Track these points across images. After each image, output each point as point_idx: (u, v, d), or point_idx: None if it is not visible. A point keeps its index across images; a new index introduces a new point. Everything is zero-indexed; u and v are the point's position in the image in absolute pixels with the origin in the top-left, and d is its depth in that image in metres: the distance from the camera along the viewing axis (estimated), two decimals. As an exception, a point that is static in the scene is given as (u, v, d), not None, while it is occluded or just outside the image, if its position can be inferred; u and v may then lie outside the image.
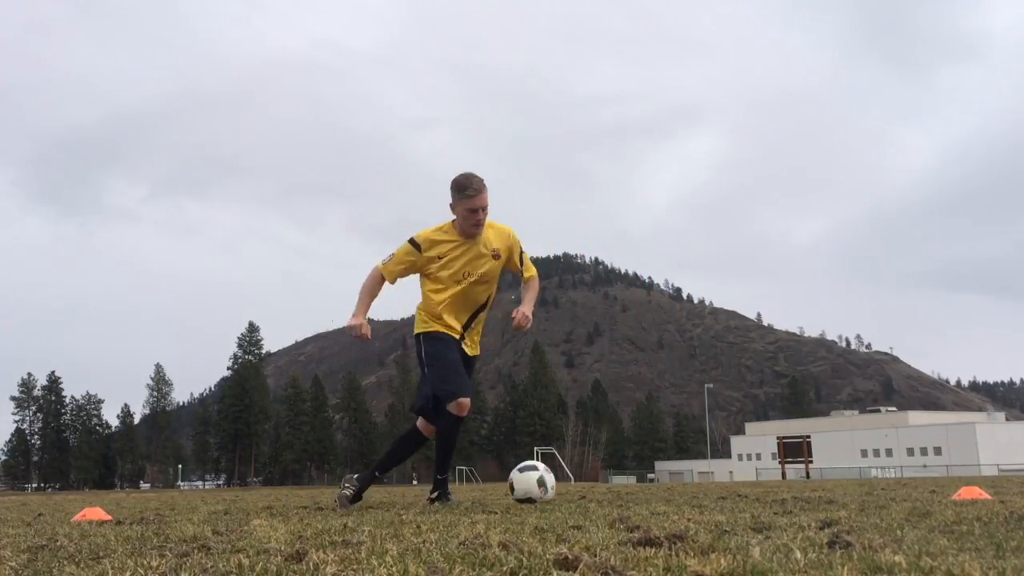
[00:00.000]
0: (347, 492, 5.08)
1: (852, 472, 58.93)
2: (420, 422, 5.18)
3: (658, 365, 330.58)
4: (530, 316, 5.09)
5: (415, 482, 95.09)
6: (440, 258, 5.02)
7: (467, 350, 5.18)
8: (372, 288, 5.17)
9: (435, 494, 5.39)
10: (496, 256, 5.10)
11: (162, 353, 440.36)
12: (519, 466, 5.27)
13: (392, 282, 5.16)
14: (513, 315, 5.00)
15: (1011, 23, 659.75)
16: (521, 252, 5.23)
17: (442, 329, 5.07)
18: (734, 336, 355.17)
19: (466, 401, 4.97)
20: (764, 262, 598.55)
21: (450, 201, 4.98)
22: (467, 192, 4.89)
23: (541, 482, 5.05)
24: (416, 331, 5.16)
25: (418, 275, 5.17)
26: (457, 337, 5.10)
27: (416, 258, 5.06)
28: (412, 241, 5.05)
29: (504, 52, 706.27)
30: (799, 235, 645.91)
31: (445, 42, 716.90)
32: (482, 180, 4.97)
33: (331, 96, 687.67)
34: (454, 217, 5.04)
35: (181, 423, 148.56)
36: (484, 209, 4.95)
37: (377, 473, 5.25)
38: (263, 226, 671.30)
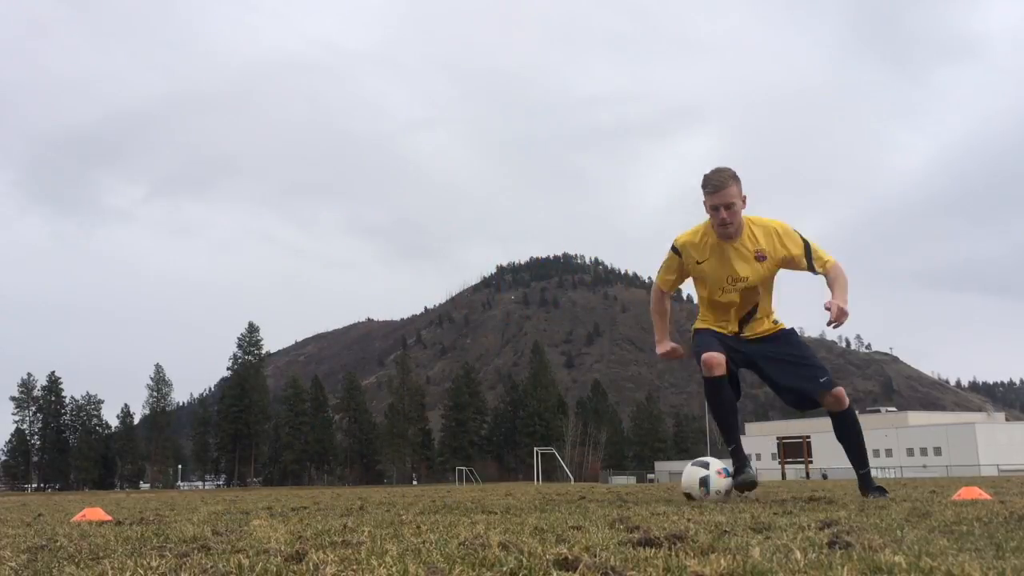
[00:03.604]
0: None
1: (852, 472, 58.76)
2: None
3: (658, 365, 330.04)
4: (845, 308, 4.38)
5: (415, 482, 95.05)
6: (699, 262, 4.68)
7: (748, 338, 4.81)
8: (657, 307, 5.10)
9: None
10: (760, 257, 4.56)
11: (162, 353, 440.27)
12: (694, 461, 5.11)
13: (670, 291, 5.01)
14: (827, 306, 4.38)
15: (1008, 23, 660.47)
16: (806, 248, 4.58)
17: (709, 326, 4.88)
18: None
19: (707, 356, 4.59)
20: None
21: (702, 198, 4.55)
22: (706, 188, 4.47)
23: (704, 482, 4.89)
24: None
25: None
26: (728, 333, 4.81)
27: (679, 264, 4.81)
28: (673, 247, 4.80)
29: (502, 52, 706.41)
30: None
31: (442, 42, 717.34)
32: (727, 175, 4.46)
33: (328, 96, 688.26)
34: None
35: (181, 423, 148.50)
36: (728, 207, 4.44)
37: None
38: (262, 226, 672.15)
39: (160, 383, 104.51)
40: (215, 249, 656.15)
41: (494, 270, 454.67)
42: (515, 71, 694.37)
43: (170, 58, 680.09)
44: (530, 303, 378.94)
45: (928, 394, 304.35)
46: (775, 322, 4.85)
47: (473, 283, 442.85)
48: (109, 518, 4.46)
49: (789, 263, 4.62)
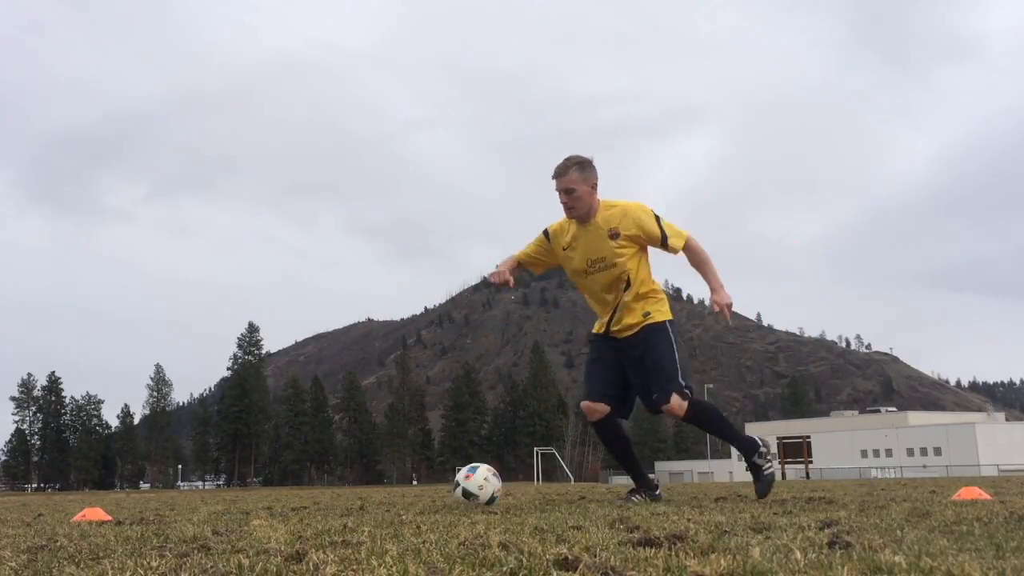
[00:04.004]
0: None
1: (852, 472, 58.89)
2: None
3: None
4: (728, 299, 4.64)
5: (415, 482, 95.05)
6: (565, 248, 4.85)
7: (617, 335, 4.82)
8: (509, 261, 5.12)
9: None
10: (613, 235, 4.68)
11: (162, 353, 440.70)
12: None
13: (526, 265, 5.08)
14: (712, 308, 4.64)
15: (1008, 23, 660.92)
16: (657, 222, 4.70)
17: (593, 332, 4.98)
18: (734, 336, 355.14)
19: (585, 404, 4.87)
20: (764, 262, 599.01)
21: None
22: (552, 176, 4.73)
23: (465, 493, 4.78)
24: None
25: None
26: (602, 332, 4.88)
27: (547, 247, 4.96)
28: (544, 231, 4.97)
29: (501, 52, 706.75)
30: (798, 235, 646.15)
31: (442, 42, 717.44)
32: (570, 162, 4.70)
33: (328, 96, 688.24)
34: None
35: (181, 423, 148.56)
36: (568, 193, 4.67)
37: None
38: (262, 226, 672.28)
39: (160, 383, 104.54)
40: (215, 249, 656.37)
41: (494, 270, 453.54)
42: (515, 71, 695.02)
43: (170, 58, 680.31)
44: (530, 303, 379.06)
45: (928, 394, 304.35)
46: (646, 314, 4.77)
47: (473, 283, 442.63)
48: (109, 518, 4.46)
49: (642, 238, 4.73)
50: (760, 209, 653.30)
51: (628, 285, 4.74)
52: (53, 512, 6.30)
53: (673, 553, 2.02)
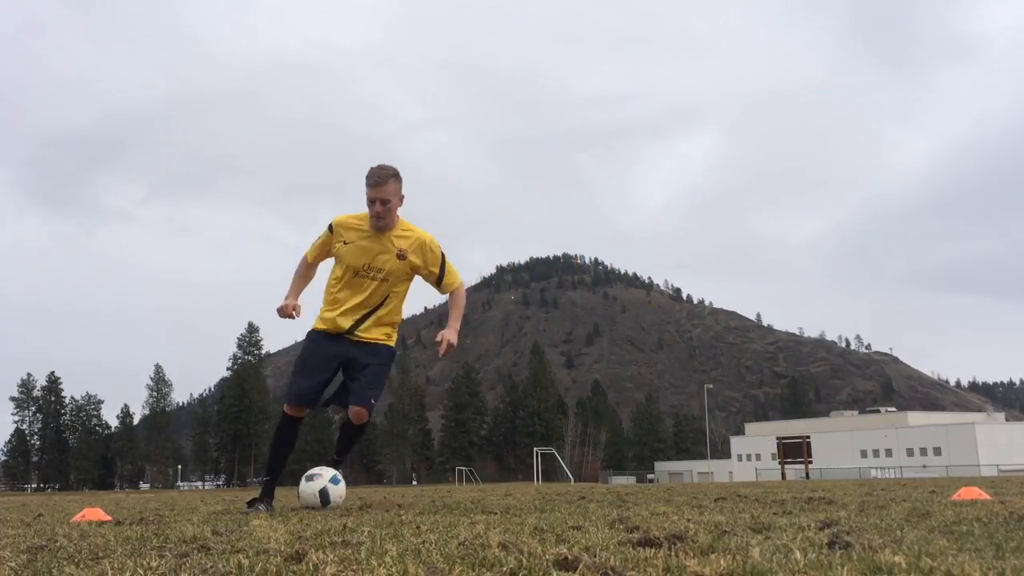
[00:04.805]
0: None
1: (852, 472, 58.93)
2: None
3: (658, 365, 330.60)
4: (454, 341, 4.84)
5: (415, 482, 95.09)
6: (346, 243, 4.89)
7: (354, 337, 4.97)
8: (299, 271, 5.19)
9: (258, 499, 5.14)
10: (401, 256, 4.85)
11: (162, 353, 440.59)
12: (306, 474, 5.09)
13: (312, 261, 5.15)
14: (436, 339, 4.84)
15: (1007, 24, 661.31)
16: (442, 263, 4.95)
17: (323, 327, 4.99)
18: (734, 336, 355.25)
19: (289, 408, 5.01)
20: (763, 262, 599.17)
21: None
22: (368, 181, 4.74)
23: (323, 494, 4.88)
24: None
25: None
26: (341, 332, 4.95)
27: (329, 241, 5.00)
28: (329, 225, 5.01)
29: (501, 53, 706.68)
30: (798, 235, 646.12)
31: (441, 42, 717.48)
32: (388, 172, 4.75)
33: (328, 96, 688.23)
34: None
35: (181, 424, 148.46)
36: (382, 203, 4.72)
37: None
38: (262, 226, 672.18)
39: (160, 383, 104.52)
40: (215, 249, 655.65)
41: (494, 270, 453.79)
42: (515, 71, 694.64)
43: (170, 58, 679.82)
44: (530, 303, 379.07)
45: (928, 394, 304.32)
46: (388, 335, 5.05)
47: (473, 283, 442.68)
48: (109, 518, 4.46)
49: (421, 270, 4.95)
50: (760, 209, 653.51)
51: (383, 304, 4.95)
52: (53, 512, 6.30)
53: (673, 553, 2.02)
